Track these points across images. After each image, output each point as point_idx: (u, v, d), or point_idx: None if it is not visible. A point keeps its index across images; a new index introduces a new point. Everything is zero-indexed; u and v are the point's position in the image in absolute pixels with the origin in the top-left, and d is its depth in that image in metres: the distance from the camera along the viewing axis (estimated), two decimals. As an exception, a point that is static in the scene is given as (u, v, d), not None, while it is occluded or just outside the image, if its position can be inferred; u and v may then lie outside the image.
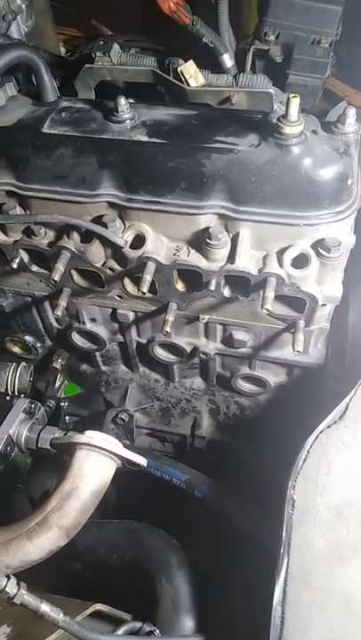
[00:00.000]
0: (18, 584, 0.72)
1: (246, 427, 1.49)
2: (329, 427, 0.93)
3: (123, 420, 1.52)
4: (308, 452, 0.90)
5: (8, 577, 0.72)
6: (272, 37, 1.44)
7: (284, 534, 0.81)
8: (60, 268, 1.08)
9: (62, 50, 1.89)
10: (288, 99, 0.90)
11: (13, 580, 0.72)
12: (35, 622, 0.94)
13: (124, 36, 1.49)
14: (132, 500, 1.41)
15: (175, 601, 0.97)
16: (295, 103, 0.90)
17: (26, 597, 0.72)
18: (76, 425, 1.65)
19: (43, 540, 0.91)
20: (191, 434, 1.56)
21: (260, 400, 1.42)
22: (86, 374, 1.55)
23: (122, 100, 1.04)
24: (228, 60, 1.31)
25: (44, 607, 0.73)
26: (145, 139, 1.03)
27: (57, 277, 1.08)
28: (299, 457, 0.89)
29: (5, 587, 0.71)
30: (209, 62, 1.29)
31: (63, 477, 0.96)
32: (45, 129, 1.07)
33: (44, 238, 1.13)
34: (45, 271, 1.20)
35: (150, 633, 0.89)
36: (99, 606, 0.96)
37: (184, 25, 1.28)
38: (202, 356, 1.30)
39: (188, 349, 1.30)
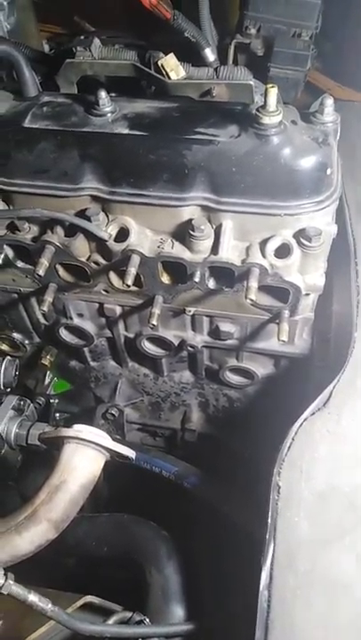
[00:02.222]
0: (5, 574, 0.73)
1: (236, 419, 1.50)
2: (313, 414, 0.94)
3: (113, 415, 1.52)
4: (292, 439, 0.91)
5: (-5, 568, 0.72)
6: (253, 31, 1.45)
7: (269, 520, 0.82)
8: (44, 262, 1.08)
9: (46, 47, 1.88)
10: (266, 89, 0.91)
11: (0, 571, 0.73)
12: (25, 616, 0.94)
13: (106, 32, 1.49)
14: (124, 494, 1.42)
15: (165, 590, 0.98)
16: (273, 93, 0.91)
17: (13, 588, 0.72)
18: (66, 422, 1.65)
19: (32, 533, 0.91)
20: (181, 427, 1.57)
21: (248, 392, 1.43)
22: (75, 370, 1.55)
23: (102, 94, 1.04)
24: (210, 55, 1.32)
25: (32, 597, 0.73)
26: (126, 131, 1.03)
27: (41, 272, 1.08)
28: (284, 444, 0.90)
29: (-8, 578, 0.71)
30: (191, 57, 1.30)
31: (51, 471, 0.96)
32: (27, 123, 1.07)
33: (27, 233, 1.13)
34: (30, 267, 1.20)
35: (140, 622, 0.89)
36: (89, 598, 0.96)
37: (165, 20, 1.28)
38: (189, 348, 1.31)
39: (176, 342, 1.30)
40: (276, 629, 0.72)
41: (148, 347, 1.36)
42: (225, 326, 1.23)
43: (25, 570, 0.89)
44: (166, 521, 1.18)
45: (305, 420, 0.93)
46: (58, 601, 0.84)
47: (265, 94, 0.91)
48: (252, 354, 1.31)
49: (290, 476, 0.86)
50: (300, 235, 0.99)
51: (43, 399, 1.53)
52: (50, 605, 0.73)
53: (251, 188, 0.96)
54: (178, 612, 0.96)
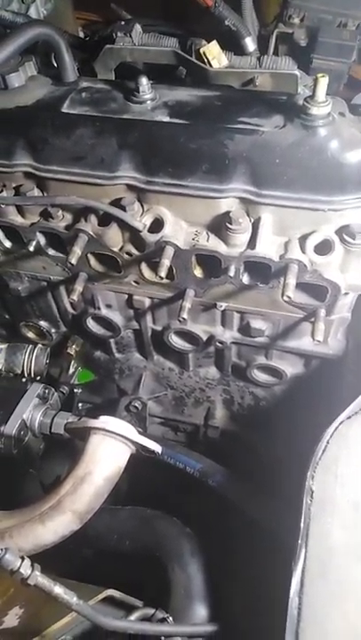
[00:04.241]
0: (32, 565, 0.72)
1: (261, 418, 1.47)
2: (349, 417, 0.91)
3: (136, 407, 1.51)
4: (327, 442, 0.88)
5: (22, 558, 0.72)
6: (297, 20, 1.41)
7: (301, 524, 0.79)
8: (77, 251, 1.07)
9: (81, 34, 1.87)
10: (316, 78, 0.87)
11: (27, 562, 0.72)
12: (46, 605, 0.94)
13: (143, 19, 1.47)
14: (143, 487, 1.40)
15: (187, 589, 0.96)
16: (323, 83, 0.87)
17: (40, 579, 0.71)
18: (88, 412, 1.65)
19: (56, 523, 0.91)
20: (204, 424, 1.55)
21: (275, 391, 1.40)
22: (100, 361, 1.54)
23: (143, 80, 1.02)
24: (250, 44, 1.29)
25: (58, 589, 0.72)
26: (166, 119, 1.00)
27: (74, 261, 1.06)
28: (318, 447, 0.87)
29: (20, 567, 0.70)
30: (230, 46, 1.26)
31: (77, 462, 0.95)
32: (65, 109, 1.05)
33: (61, 221, 1.12)
34: (62, 255, 1.19)
35: (163, 620, 0.88)
36: (110, 592, 0.95)
37: (206, 7, 1.25)
38: (218, 344, 1.28)
39: (204, 337, 1.28)
40: (308, 638, 0.70)
41: (176, 341, 1.34)
42: (256, 323, 1.20)
43: (42, 557, 0.89)
44: (188, 517, 1.16)
45: (341, 423, 0.89)
46: (78, 592, 0.83)
47: (314, 84, 0.88)
48: (282, 352, 1.27)
49: (324, 480, 0.84)
50: (344, 231, 0.95)
51: (66, 388, 1.53)
52: (75, 599, 0.72)
53: (294, 181, 0.93)
54: (201, 611, 0.94)
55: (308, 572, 0.75)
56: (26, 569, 0.70)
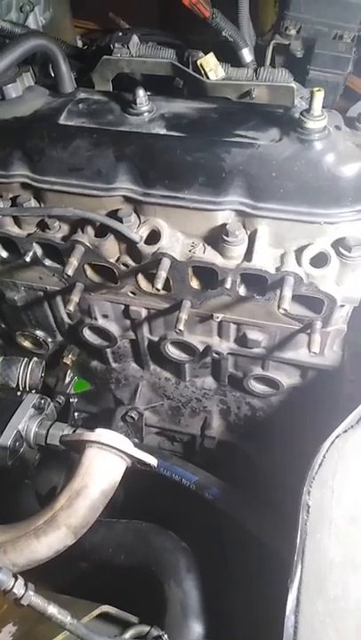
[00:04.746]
0: (25, 585, 0.71)
1: (257, 428, 1.46)
2: (346, 431, 0.90)
3: (132, 417, 1.50)
4: (323, 456, 0.87)
5: (16, 577, 0.71)
6: (293, 32, 1.42)
7: (298, 541, 0.79)
8: (73, 262, 1.06)
9: (80, 43, 1.87)
10: (312, 92, 0.87)
11: (21, 581, 0.71)
12: (40, 622, 0.92)
13: (141, 29, 1.47)
14: (138, 499, 1.39)
15: (184, 605, 0.95)
16: (319, 97, 0.88)
17: (33, 599, 0.70)
18: (85, 422, 1.64)
19: (50, 538, 0.90)
20: (201, 434, 1.54)
21: (272, 401, 1.40)
22: (96, 371, 1.54)
23: (140, 92, 1.02)
24: (247, 55, 1.28)
25: (52, 609, 0.71)
26: (163, 132, 1.01)
27: (70, 272, 1.06)
28: (314, 461, 0.86)
29: (13, 587, 0.69)
30: (227, 57, 1.27)
31: (72, 475, 0.95)
32: (62, 120, 1.05)
33: (58, 232, 1.11)
34: (59, 265, 1.19)
35: (158, 637, 0.87)
36: (105, 608, 0.94)
37: (203, 18, 1.25)
38: (214, 355, 1.28)
39: (201, 348, 1.28)
40: (304, 658, 0.69)
41: (172, 351, 1.33)
42: (253, 334, 1.19)
43: (37, 570, 0.88)
44: (182, 529, 1.15)
45: (337, 437, 0.89)
46: (73, 608, 0.82)
47: (311, 97, 0.88)
48: (279, 363, 1.27)
49: (320, 495, 0.83)
50: (340, 244, 0.95)
51: (62, 398, 1.52)
52: (69, 618, 0.71)
53: (290, 194, 0.93)
54: (197, 628, 0.93)
55: (305, 590, 0.75)
56: (19, 589, 0.69)
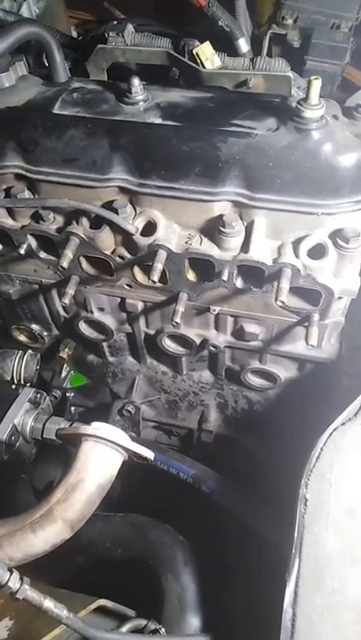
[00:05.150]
0: (21, 579, 0.70)
1: (255, 422, 1.46)
2: (343, 424, 0.90)
3: (129, 411, 1.49)
4: (321, 449, 0.87)
5: (11, 571, 0.70)
6: (290, 21, 1.40)
7: (295, 534, 0.78)
8: (68, 254, 1.05)
9: (74, 33, 1.85)
10: (309, 81, 0.86)
11: (16, 575, 0.70)
12: (37, 616, 0.92)
13: (136, 19, 1.45)
14: (136, 493, 1.39)
15: (181, 599, 0.95)
16: (317, 85, 0.86)
17: (29, 593, 0.70)
18: (81, 416, 1.63)
19: (47, 532, 0.89)
20: (198, 427, 1.53)
21: (269, 395, 1.39)
22: (93, 365, 1.53)
23: (135, 81, 1.00)
24: (243, 45, 1.27)
25: (48, 603, 0.71)
26: (159, 121, 0.99)
27: (65, 264, 1.05)
28: (312, 454, 0.86)
29: (8, 581, 0.69)
30: (224, 47, 1.25)
31: (68, 469, 0.94)
32: (56, 110, 1.04)
33: (52, 224, 1.10)
34: (53, 258, 1.17)
35: (155, 631, 0.86)
36: (102, 602, 0.94)
37: (199, 8, 1.24)
38: (211, 348, 1.27)
39: (198, 341, 1.27)
40: (302, 651, 0.69)
41: (169, 344, 1.32)
42: (250, 327, 1.19)
43: (34, 564, 0.87)
44: (179, 523, 1.15)
45: (335, 429, 0.89)
46: (70, 602, 0.82)
47: (307, 86, 0.87)
48: (276, 356, 1.26)
49: (318, 488, 0.83)
50: (337, 235, 0.94)
51: (59, 392, 1.51)
52: (65, 612, 0.71)
53: (287, 185, 0.92)
54: (194, 622, 0.92)
55: (303, 583, 0.74)
56: (15, 582, 0.69)
